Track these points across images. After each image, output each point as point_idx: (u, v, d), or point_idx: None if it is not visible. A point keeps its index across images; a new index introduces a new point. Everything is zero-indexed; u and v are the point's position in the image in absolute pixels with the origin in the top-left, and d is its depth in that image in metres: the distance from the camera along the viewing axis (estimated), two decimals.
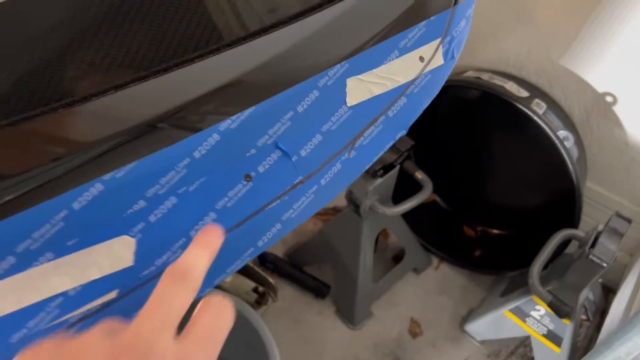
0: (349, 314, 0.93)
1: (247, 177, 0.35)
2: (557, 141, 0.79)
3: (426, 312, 0.96)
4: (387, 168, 0.79)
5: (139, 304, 0.24)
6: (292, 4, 0.38)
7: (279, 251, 1.01)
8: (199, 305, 0.26)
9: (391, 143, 0.44)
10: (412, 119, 0.45)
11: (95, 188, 0.28)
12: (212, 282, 0.34)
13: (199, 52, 0.33)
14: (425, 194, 0.82)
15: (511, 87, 0.83)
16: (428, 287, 0.99)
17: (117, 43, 0.33)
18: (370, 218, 0.85)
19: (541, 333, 0.84)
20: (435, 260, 1.03)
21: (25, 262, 0.27)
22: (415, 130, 0.50)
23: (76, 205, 0.27)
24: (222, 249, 0.28)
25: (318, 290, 0.95)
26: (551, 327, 0.83)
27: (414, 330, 0.93)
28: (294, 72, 0.36)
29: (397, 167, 0.81)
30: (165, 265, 0.31)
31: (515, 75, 0.88)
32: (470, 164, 1.01)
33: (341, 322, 0.93)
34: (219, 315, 0.26)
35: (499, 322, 0.87)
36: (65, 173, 0.28)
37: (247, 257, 0.36)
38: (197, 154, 0.31)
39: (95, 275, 0.29)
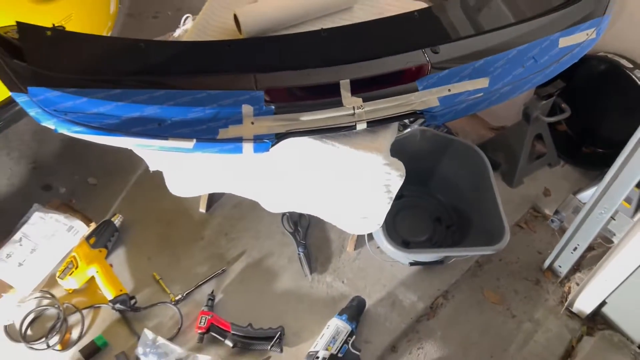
0: (510, 180, 1.70)
1: (523, 66, 1.13)
2: None
3: (553, 185, 1.70)
4: (548, 96, 1.54)
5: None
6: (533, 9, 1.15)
7: None
8: None
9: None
10: (568, 65, 1.20)
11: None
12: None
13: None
14: (566, 114, 1.57)
15: (625, 62, 1.55)
16: (557, 174, 1.74)
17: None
18: (534, 124, 1.60)
19: None
20: (562, 162, 1.77)
21: None
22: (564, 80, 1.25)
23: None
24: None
25: (494, 165, 1.73)
26: None
27: (546, 193, 1.69)
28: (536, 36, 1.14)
29: (553, 98, 1.57)
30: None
31: (624, 55, 1.58)
32: (587, 109, 1.73)
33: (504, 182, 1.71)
34: None
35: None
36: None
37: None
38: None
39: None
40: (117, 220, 1.52)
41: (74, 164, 1.67)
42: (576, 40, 1.17)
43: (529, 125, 1.60)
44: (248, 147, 1.04)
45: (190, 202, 1.58)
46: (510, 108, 1.72)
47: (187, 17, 1.94)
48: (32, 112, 1.00)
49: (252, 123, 1.04)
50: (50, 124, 1.01)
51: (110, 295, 1.38)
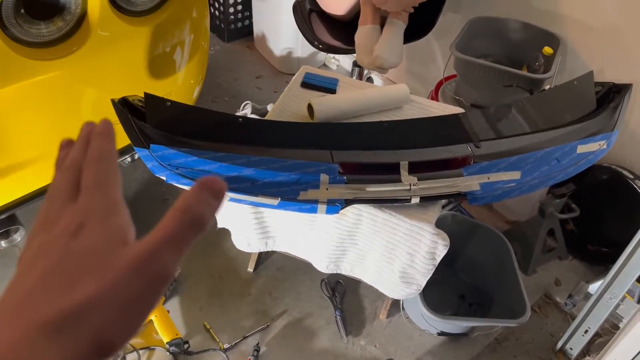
0: (525, 269, 1.90)
1: (548, 165, 1.38)
2: None
3: (562, 276, 1.90)
4: (561, 195, 1.79)
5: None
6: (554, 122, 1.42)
7: None
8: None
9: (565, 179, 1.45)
10: (584, 168, 1.45)
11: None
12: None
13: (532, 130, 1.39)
14: (576, 214, 1.80)
15: (626, 173, 1.81)
16: (566, 267, 1.93)
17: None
18: (547, 220, 1.83)
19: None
20: (570, 256, 1.97)
21: None
22: (575, 183, 1.50)
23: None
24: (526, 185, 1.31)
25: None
26: None
27: (557, 282, 1.87)
28: (559, 142, 1.40)
29: (565, 198, 1.81)
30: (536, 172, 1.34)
31: (626, 167, 1.85)
32: (593, 211, 1.96)
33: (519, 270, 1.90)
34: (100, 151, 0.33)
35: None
36: None
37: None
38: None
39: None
40: (177, 272, 1.68)
41: (138, 219, 1.86)
42: (591, 149, 1.42)
43: (543, 220, 1.83)
44: (322, 208, 1.25)
45: (240, 262, 1.76)
46: (525, 205, 1.96)
47: (247, 104, 2.24)
48: (150, 164, 1.23)
49: (327, 189, 1.26)
50: (163, 175, 1.23)
51: (165, 339, 1.52)
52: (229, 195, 1.24)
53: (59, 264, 0.27)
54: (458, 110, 1.61)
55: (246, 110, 2.19)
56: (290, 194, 1.25)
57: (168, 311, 1.61)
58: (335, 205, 1.26)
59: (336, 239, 1.41)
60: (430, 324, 1.60)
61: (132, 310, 0.26)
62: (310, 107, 1.49)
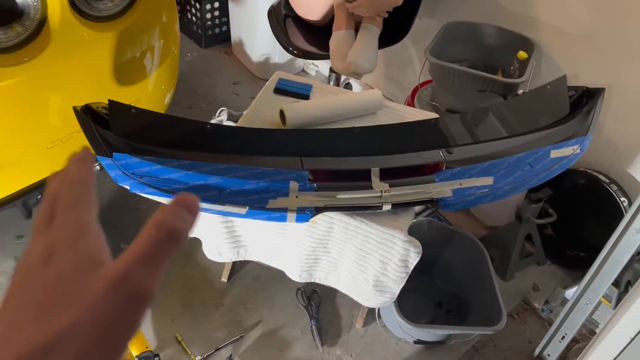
0: (503, 275, 1.88)
1: (521, 170, 1.37)
2: (622, 208, 1.74)
3: (541, 282, 1.88)
4: (538, 200, 1.78)
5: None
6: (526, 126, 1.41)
7: None
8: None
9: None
10: (558, 173, 1.44)
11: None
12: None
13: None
14: (553, 218, 1.80)
15: (602, 177, 1.80)
16: (544, 272, 1.92)
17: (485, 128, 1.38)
18: (525, 225, 1.82)
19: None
20: (548, 261, 1.96)
21: None
22: (552, 188, 1.49)
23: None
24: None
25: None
26: None
27: (535, 288, 1.86)
28: (532, 147, 1.39)
29: (542, 203, 1.80)
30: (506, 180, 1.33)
31: (601, 172, 1.85)
32: (571, 216, 1.96)
33: (497, 276, 1.89)
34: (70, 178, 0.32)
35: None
36: None
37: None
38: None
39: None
40: (156, 290, 1.64)
41: (108, 229, 1.82)
42: (564, 153, 1.41)
43: (520, 225, 1.82)
44: (292, 216, 1.23)
45: (214, 271, 1.72)
46: (503, 210, 1.95)
47: (223, 110, 2.21)
48: (113, 173, 1.19)
49: (297, 197, 1.24)
50: (126, 184, 1.19)
51: (135, 352, 1.48)
52: None
53: (31, 296, 0.26)
54: (432, 115, 1.60)
55: (222, 117, 2.16)
56: (259, 203, 1.22)
57: None
58: (305, 214, 1.23)
59: (308, 248, 1.39)
60: (407, 332, 1.58)
61: (111, 335, 0.25)
62: (282, 114, 1.47)
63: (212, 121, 2.20)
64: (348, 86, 2.59)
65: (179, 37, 1.68)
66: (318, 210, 1.24)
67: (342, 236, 1.33)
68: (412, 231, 1.67)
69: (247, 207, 1.21)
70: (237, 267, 1.76)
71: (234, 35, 2.76)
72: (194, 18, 2.82)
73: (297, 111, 1.48)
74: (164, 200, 1.21)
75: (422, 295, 1.76)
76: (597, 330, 1.51)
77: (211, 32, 2.84)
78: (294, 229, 1.36)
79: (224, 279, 1.73)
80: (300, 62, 2.78)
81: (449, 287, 1.77)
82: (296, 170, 1.26)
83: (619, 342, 1.38)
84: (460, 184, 1.32)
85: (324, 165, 1.31)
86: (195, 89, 2.56)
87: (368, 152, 1.35)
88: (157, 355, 1.49)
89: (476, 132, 1.45)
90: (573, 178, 1.87)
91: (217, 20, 2.82)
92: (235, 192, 1.22)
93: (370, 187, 1.28)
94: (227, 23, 2.81)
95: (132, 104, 1.49)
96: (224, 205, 1.21)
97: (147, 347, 1.49)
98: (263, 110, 1.55)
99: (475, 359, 1.65)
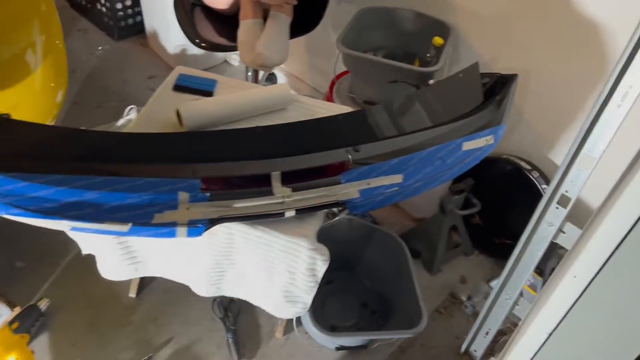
0: (430, 268, 1.83)
1: (432, 165, 1.29)
2: (542, 192, 1.70)
3: (468, 273, 1.84)
4: (460, 191, 1.72)
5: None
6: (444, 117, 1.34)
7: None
8: None
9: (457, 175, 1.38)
10: (472, 165, 1.38)
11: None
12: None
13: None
14: (476, 209, 1.75)
15: (524, 164, 1.77)
16: (472, 263, 1.88)
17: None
18: (449, 216, 1.76)
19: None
20: (476, 252, 1.92)
21: None
22: (474, 177, 1.43)
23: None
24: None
25: (415, 254, 1.86)
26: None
27: (462, 280, 1.82)
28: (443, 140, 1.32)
29: (465, 193, 1.75)
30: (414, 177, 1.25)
31: (524, 158, 1.81)
32: (496, 205, 1.92)
33: (425, 270, 1.83)
34: None
35: None
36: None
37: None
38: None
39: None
40: (43, 305, 1.49)
41: (4, 245, 1.65)
42: (477, 145, 1.35)
43: (445, 216, 1.76)
44: (182, 231, 1.11)
45: (121, 286, 1.59)
46: (430, 202, 1.89)
47: (132, 108, 2.05)
48: None
49: (187, 209, 1.12)
50: None
51: None
52: (69, 224, 1.07)
53: None
54: (345, 110, 1.51)
55: (130, 116, 2.00)
56: (143, 218, 1.10)
57: (33, 352, 1.42)
58: (197, 227, 1.12)
59: (211, 261, 1.28)
60: (327, 338, 1.50)
61: None
62: (178, 114, 1.34)
63: (120, 121, 2.04)
64: (271, 77, 2.47)
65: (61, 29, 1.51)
66: (212, 222, 1.13)
67: (244, 247, 1.23)
68: (332, 231, 1.59)
69: (130, 224, 1.09)
70: (147, 279, 1.63)
71: (148, 25, 2.58)
72: (104, 8, 2.62)
73: (195, 110, 1.36)
74: (37, 222, 1.07)
75: (347, 297, 1.68)
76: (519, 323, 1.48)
77: (124, 23, 2.65)
78: (193, 242, 1.24)
79: (132, 294, 1.60)
80: (222, 52, 2.63)
81: (374, 287, 1.70)
82: (186, 179, 1.14)
83: (538, 338, 1.35)
84: (368, 184, 1.23)
85: (218, 171, 1.19)
86: (106, 86, 2.38)
87: (270, 154, 1.24)
88: None
89: (384, 128, 1.37)
90: (496, 166, 1.83)
91: (129, 10, 2.63)
92: (115, 208, 1.09)
93: (271, 193, 1.17)
94: (141, 13, 2.63)
95: (7, 112, 1.34)
96: (102, 222, 1.08)
97: None
98: (160, 111, 1.42)
99: None
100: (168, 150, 1.22)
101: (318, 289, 1.27)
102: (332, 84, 1.92)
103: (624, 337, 0.84)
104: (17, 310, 1.47)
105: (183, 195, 1.13)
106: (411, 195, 1.26)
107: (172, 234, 1.11)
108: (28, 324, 1.45)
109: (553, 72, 1.64)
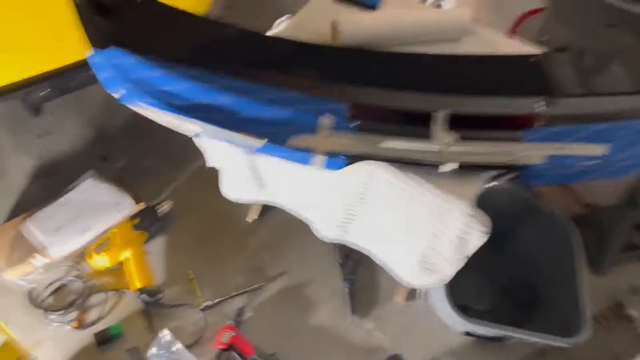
0: (595, 266, 1.49)
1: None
2: None
3: None
4: None
5: None
6: None
7: None
8: None
9: None
10: None
11: None
12: None
13: None
14: None
15: None
16: None
17: None
18: (636, 211, 1.40)
19: None
20: None
21: None
22: None
23: None
24: None
25: None
26: None
27: (634, 291, 1.47)
28: None
29: None
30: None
31: None
32: None
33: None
34: None
35: None
36: None
37: None
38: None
39: None
40: (166, 207, 1.44)
41: (137, 142, 1.63)
42: None
43: (630, 210, 1.41)
44: (319, 160, 0.93)
45: (242, 209, 1.48)
46: (613, 187, 1.53)
47: (288, 16, 1.88)
48: (103, 75, 0.94)
49: (328, 137, 0.94)
50: (120, 89, 0.94)
51: (137, 285, 1.30)
52: (201, 125, 0.95)
53: None
54: (537, 51, 1.20)
55: (281, 27, 1.84)
56: (278, 137, 0.94)
57: (148, 252, 1.38)
58: (338, 159, 0.94)
59: (342, 201, 1.10)
60: (459, 321, 1.27)
61: None
62: (334, 26, 1.14)
63: (269, 33, 1.89)
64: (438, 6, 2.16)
65: None
66: (356, 158, 0.94)
67: (384, 195, 1.02)
68: (484, 198, 1.32)
69: (266, 140, 0.94)
70: (267, 208, 1.51)
71: None
72: None
73: (356, 25, 1.15)
74: (166, 119, 0.96)
75: (485, 276, 1.43)
76: None
77: None
78: (327, 175, 1.06)
79: (251, 219, 1.50)
80: None
81: (521, 272, 1.42)
82: (332, 100, 0.95)
83: None
84: (559, 149, 0.95)
85: (373, 98, 0.98)
86: None
87: (437, 89, 1.00)
88: (161, 292, 1.32)
89: (595, 82, 1.05)
90: None
91: None
92: (248, 120, 0.94)
93: (431, 137, 0.95)
94: None
95: None
96: (236, 132, 0.94)
97: (151, 282, 1.32)
98: (315, 20, 1.23)
99: None
100: (318, 64, 1.03)
101: None
102: (517, 23, 1.58)
103: None
104: (142, 205, 1.44)
105: (326, 120, 0.94)
106: (615, 175, 0.97)
107: (305, 161, 0.94)
108: (149, 222, 1.41)
109: None
